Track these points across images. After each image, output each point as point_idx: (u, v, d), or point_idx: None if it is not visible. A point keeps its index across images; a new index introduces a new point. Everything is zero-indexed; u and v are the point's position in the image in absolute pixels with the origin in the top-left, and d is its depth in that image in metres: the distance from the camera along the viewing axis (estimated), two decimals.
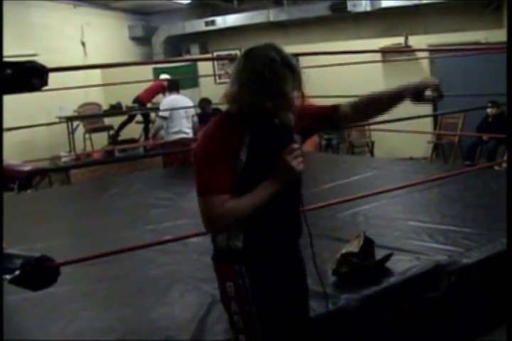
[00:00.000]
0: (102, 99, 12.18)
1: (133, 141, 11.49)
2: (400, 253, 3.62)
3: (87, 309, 3.29)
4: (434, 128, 10.78)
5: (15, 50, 7.57)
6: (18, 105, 7.73)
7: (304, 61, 11.32)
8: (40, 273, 2.14)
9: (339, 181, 5.97)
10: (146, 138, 11.56)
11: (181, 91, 9.25)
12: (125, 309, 3.25)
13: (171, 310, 3.19)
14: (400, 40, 10.74)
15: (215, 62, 12.57)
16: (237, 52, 12.56)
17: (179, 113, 8.19)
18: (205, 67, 12.37)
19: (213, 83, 12.15)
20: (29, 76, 2.21)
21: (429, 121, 10.79)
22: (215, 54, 12.83)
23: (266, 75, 1.98)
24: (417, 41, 10.58)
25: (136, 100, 10.97)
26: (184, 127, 8.27)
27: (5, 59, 2.17)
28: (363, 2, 11.39)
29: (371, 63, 9.16)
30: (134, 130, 11.59)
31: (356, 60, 7.80)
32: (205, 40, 13.87)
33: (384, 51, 10.12)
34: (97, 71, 12.02)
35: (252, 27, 12.74)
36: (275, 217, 2.13)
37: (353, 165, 7.75)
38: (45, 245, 4.12)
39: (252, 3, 12.58)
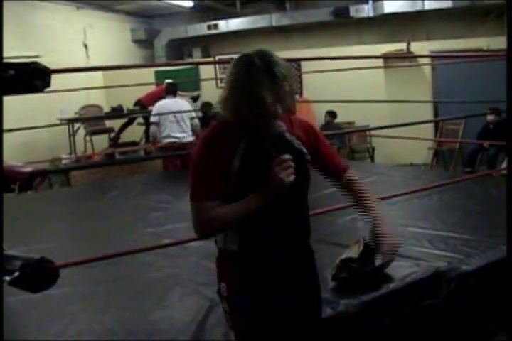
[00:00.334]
0: (104, 101, 12.19)
1: (134, 143, 11.50)
2: (400, 260, 3.60)
3: (86, 311, 3.28)
4: (435, 135, 10.80)
5: (17, 52, 7.59)
6: (20, 106, 7.72)
7: (306, 66, 11.44)
8: (39, 275, 2.14)
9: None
10: (147, 140, 11.57)
11: (182, 93, 9.26)
12: (124, 312, 3.24)
13: (170, 313, 3.18)
14: (402, 46, 10.76)
15: (217, 66, 12.57)
16: None
17: (166, 117, 8.19)
18: (206, 71, 12.38)
19: (215, 87, 12.17)
20: (32, 77, 2.21)
21: (430, 127, 10.81)
22: (217, 58, 12.84)
23: (244, 82, 1.97)
24: (419, 47, 10.60)
25: (137, 103, 10.98)
26: (174, 131, 8.22)
27: (7, 60, 2.17)
28: (366, 8, 11.43)
29: (373, 69, 9.17)
30: (135, 133, 11.60)
31: (358, 66, 7.81)
32: (208, 43, 13.90)
33: (386, 57, 10.14)
34: (99, 73, 12.04)
35: (255, 31, 12.77)
36: (273, 220, 2.11)
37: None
38: (45, 247, 4.12)
39: (254, 7, 12.61)
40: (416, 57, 10.91)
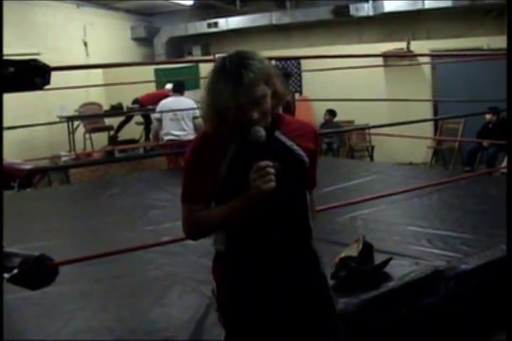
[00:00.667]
0: (103, 99, 12.19)
1: (133, 141, 11.49)
2: (399, 258, 3.61)
3: (85, 309, 3.28)
4: (435, 134, 10.80)
5: (17, 49, 7.59)
6: (19, 104, 7.74)
7: (306, 64, 11.44)
8: (38, 272, 2.13)
9: (339, 185, 5.96)
10: (147, 138, 11.57)
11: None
12: (123, 309, 3.24)
13: (169, 312, 3.19)
14: (402, 45, 10.76)
15: None
16: None
17: (166, 115, 8.23)
18: (206, 69, 12.23)
19: None
20: (32, 75, 2.21)
21: (430, 126, 10.80)
22: (217, 56, 12.78)
23: (211, 88, 1.96)
24: (419, 46, 10.60)
25: (135, 101, 10.98)
26: (173, 129, 8.24)
27: (7, 57, 2.17)
28: (366, 6, 11.43)
29: (373, 68, 9.17)
30: (134, 130, 11.60)
31: (358, 64, 7.80)
32: (207, 41, 13.89)
33: (386, 55, 10.14)
34: (99, 71, 12.03)
35: (255, 29, 12.76)
36: (260, 223, 2.06)
37: (352, 169, 7.73)
38: (44, 244, 4.12)
39: (254, 5, 12.60)
40: (416, 56, 10.91)
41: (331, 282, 3.24)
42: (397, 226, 4.55)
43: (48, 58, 2.79)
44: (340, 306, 3.01)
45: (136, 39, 14.03)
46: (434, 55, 10.68)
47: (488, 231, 4.16)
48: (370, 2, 11.42)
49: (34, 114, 9.83)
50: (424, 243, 4.03)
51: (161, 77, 12.65)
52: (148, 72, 12.11)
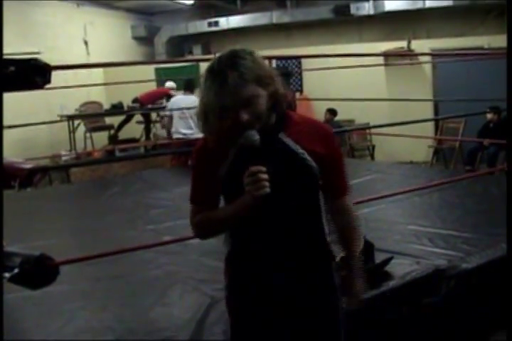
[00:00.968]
0: (104, 98, 12.19)
1: (133, 140, 11.50)
2: (400, 257, 3.61)
3: (86, 308, 3.28)
4: (435, 133, 10.79)
5: (18, 48, 7.57)
6: (20, 103, 7.73)
7: (306, 64, 11.43)
8: (39, 272, 2.13)
9: None
10: (147, 137, 11.58)
11: (181, 92, 9.28)
12: (124, 309, 3.24)
13: (170, 311, 3.18)
14: (403, 44, 10.75)
15: None
16: None
17: (176, 113, 8.34)
18: None
19: None
20: (32, 74, 2.21)
21: (430, 125, 10.80)
22: (218, 55, 12.82)
23: (202, 88, 1.92)
24: (419, 45, 10.59)
25: (136, 100, 11.00)
26: (181, 127, 8.34)
27: (8, 56, 2.17)
28: (367, 6, 11.42)
29: (374, 67, 9.16)
30: (135, 130, 11.60)
31: (359, 64, 7.80)
32: (208, 41, 13.89)
33: (387, 55, 10.13)
34: (99, 70, 12.04)
35: (255, 29, 12.76)
36: (260, 226, 2.03)
37: (353, 169, 7.72)
38: (45, 243, 4.11)
39: (255, 4, 12.60)
40: (416, 55, 10.90)
41: None
42: (398, 226, 4.55)
43: (49, 57, 2.78)
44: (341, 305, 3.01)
45: (136, 38, 14.03)
46: (435, 54, 10.67)
47: (489, 230, 4.16)
48: (371, 1, 11.41)
49: (35, 113, 9.83)
50: (425, 242, 4.03)
51: (161, 76, 12.65)
52: (148, 71, 12.10)
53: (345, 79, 10.56)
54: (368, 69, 8.87)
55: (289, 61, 12.08)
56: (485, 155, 9.26)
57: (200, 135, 2.05)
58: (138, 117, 11.57)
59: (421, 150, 10.67)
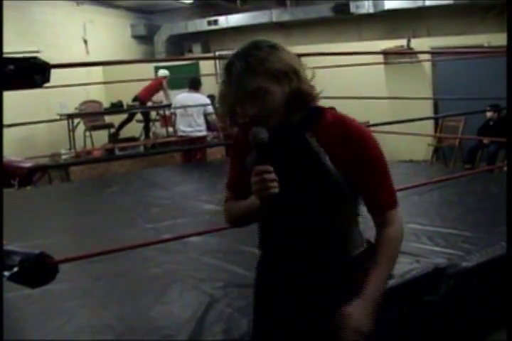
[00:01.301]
0: (103, 97, 12.18)
1: (133, 139, 11.50)
2: (400, 256, 3.58)
3: (86, 307, 3.28)
4: (435, 131, 10.78)
5: (17, 47, 7.58)
6: (19, 101, 7.71)
7: (306, 62, 11.40)
8: (39, 270, 2.13)
9: None
10: (147, 136, 11.58)
11: (182, 90, 9.30)
12: (123, 307, 3.24)
13: (170, 309, 3.18)
14: (403, 42, 10.74)
15: (217, 62, 12.56)
16: None
17: (177, 111, 8.44)
18: (207, 67, 12.37)
19: (215, 82, 12.15)
20: (31, 72, 2.20)
21: (430, 123, 10.79)
22: (217, 53, 12.83)
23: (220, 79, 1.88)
24: (419, 44, 10.58)
25: (136, 99, 11.01)
26: (182, 125, 8.48)
27: (7, 55, 2.16)
28: (366, 4, 11.41)
29: (373, 65, 9.16)
30: (134, 128, 11.60)
31: (358, 62, 7.79)
32: (208, 39, 13.89)
33: (386, 53, 10.13)
34: (99, 69, 12.04)
35: (255, 27, 12.75)
36: (275, 229, 2.02)
37: None
38: (44, 242, 4.12)
39: (254, 3, 12.60)
40: (416, 53, 10.89)
41: None
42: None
43: (48, 56, 2.78)
44: None
45: (136, 37, 14.02)
46: (435, 53, 10.67)
47: (489, 228, 4.16)
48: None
49: (34, 112, 9.82)
50: (425, 240, 4.03)
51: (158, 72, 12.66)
52: (148, 69, 12.09)
53: (345, 78, 10.54)
54: (367, 68, 8.87)
55: None
56: (485, 154, 9.27)
57: (201, 133, 2.06)
58: (138, 116, 11.56)
59: (421, 148, 10.67)
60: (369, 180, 1.88)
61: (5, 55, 2.15)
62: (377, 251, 1.92)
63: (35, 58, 2.22)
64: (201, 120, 8.47)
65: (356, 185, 1.90)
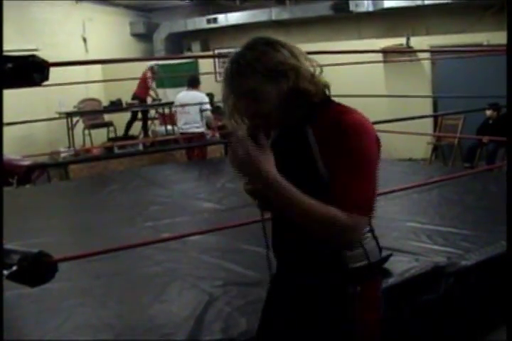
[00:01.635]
0: (102, 95, 12.17)
1: (132, 137, 11.50)
2: (399, 255, 3.61)
3: (85, 305, 3.28)
4: (434, 130, 10.78)
5: (16, 45, 7.55)
6: (18, 100, 7.71)
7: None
8: (37, 269, 2.13)
9: None
10: (146, 134, 11.59)
11: (181, 88, 9.32)
12: (122, 306, 3.24)
13: (169, 308, 3.18)
14: (402, 40, 10.73)
15: (216, 60, 12.55)
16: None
17: (177, 110, 8.59)
18: (206, 65, 12.36)
19: (214, 81, 12.15)
20: (30, 70, 2.20)
21: (429, 122, 10.78)
22: (216, 51, 12.81)
23: None
24: (418, 42, 10.58)
25: (135, 97, 11.04)
26: (181, 122, 8.59)
27: (6, 53, 2.16)
28: (365, 2, 11.39)
29: (372, 63, 9.15)
30: (133, 127, 11.61)
31: (357, 60, 7.79)
32: (207, 37, 13.88)
33: (385, 51, 10.12)
34: (98, 67, 12.02)
35: (254, 25, 12.74)
36: (273, 226, 2.01)
37: None
38: (43, 241, 4.12)
39: (254, 1, 12.58)
40: (415, 51, 10.88)
41: None
42: (397, 223, 4.55)
43: (47, 54, 2.78)
44: None
45: (135, 35, 14.00)
46: (434, 51, 10.64)
47: (489, 227, 4.16)
48: None
49: (33, 110, 9.81)
50: (424, 239, 4.03)
51: (160, 73, 12.65)
52: (147, 67, 12.09)
53: (344, 76, 10.50)
54: (366, 66, 8.85)
55: None
56: (484, 152, 9.26)
57: (198, 129, 2.03)
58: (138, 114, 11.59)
59: (420, 147, 10.67)
60: (338, 177, 1.73)
61: (4, 53, 2.15)
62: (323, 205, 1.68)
63: (34, 56, 2.22)
64: (198, 117, 8.54)
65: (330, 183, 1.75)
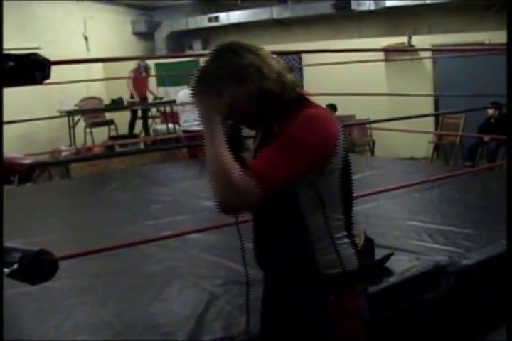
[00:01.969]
0: (104, 93, 12.17)
1: (134, 136, 11.50)
2: (400, 253, 3.60)
3: (85, 304, 3.28)
4: (436, 128, 10.78)
5: (17, 43, 7.57)
6: (19, 98, 7.72)
7: (306, 59, 11.40)
8: (38, 267, 2.13)
9: None
10: (147, 133, 11.59)
11: (182, 87, 9.34)
12: (123, 304, 3.24)
13: (169, 307, 3.18)
14: (404, 39, 10.73)
15: None
16: None
17: (178, 108, 8.75)
18: None
19: None
20: (31, 69, 2.20)
21: (431, 120, 10.79)
22: None
23: None
24: (420, 41, 10.58)
25: (132, 96, 11.09)
26: (182, 121, 8.68)
27: (7, 52, 2.16)
28: (367, 1, 11.37)
29: (374, 62, 9.15)
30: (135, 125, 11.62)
31: (359, 59, 7.78)
32: (208, 36, 13.87)
33: (387, 50, 10.11)
34: (99, 65, 12.01)
35: (255, 24, 12.74)
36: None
37: (353, 164, 7.70)
38: (44, 239, 4.11)
39: (255, 0, 12.56)
40: (417, 50, 10.88)
41: None
42: (398, 221, 4.55)
43: (48, 52, 2.77)
44: None
45: (136, 33, 14.00)
46: (436, 50, 10.64)
47: (490, 226, 4.16)
48: None
49: (34, 109, 9.81)
50: (425, 238, 4.02)
51: (161, 72, 12.66)
52: (148, 66, 12.09)
53: (346, 75, 10.53)
54: (368, 65, 8.85)
55: (289, 56, 12.05)
56: (485, 151, 9.26)
57: (197, 127, 2.04)
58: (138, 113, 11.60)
59: (421, 145, 10.67)
60: (264, 151, 1.78)
61: (5, 52, 2.15)
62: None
63: (35, 55, 2.22)
64: (193, 115, 8.63)
65: None
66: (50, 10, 11.48)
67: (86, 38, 12.48)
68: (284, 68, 1.89)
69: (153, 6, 13.98)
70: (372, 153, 10.98)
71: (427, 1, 10.80)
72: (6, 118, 2.44)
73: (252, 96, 1.82)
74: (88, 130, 11.14)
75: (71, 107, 10.66)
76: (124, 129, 11.55)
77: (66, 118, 10.30)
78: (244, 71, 1.80)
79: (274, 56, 1.90)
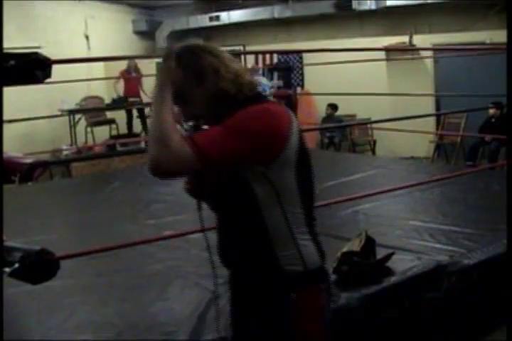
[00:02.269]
0: (105, 92, 12.16)
1: (134, 135, 11.50)
2: (401, 253, 3.60)
3: (86, 303, 3.28)
4: (437, 128, 10.77)
5: (18, 42, 7.56)
6: (20, 97, 7.71)
7: (307, 58, 11.40)
8: (39, 267, 2.13)
9: (340, 179, 5.95)
10: (146, 132, 11.59)
11: None
12: (124, 304, 3.24)
13: (171, 306, 3.18)
14: (405, 38, 10.72)
15: None
16: (241, 48, 12.54)
17: None
18: None
19: None
20: (33, 68, 2.20)
21: (432, 120, 10.78)
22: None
23: None
24: (421, 40, 10.56)
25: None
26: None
27: (8, 51, 2.16)
28: (368, 1, 11.36)
29: (375, 61, 9.15)
30: (135, 125, 11.61)
31: (360, 58, 7.78)
32: (209, 35, 13.84)
33: (388, 49, 10.11)
34: (100, 64, 12.00)
35: (256, 23, 12.72)
36: None
37: (354, 164, 7.73)
38: (45, 238, 4.11)
39: None
40: (418, 49, 10.87)
41: (333, 276, 3.25)
42: (399, 221, 4.55)
43: (49, 52, 2.77)
44: (342, 301, 3.01)
45: (137, 32, 13.99)
46: (437, 49, 10.64)
47: (491, 225, 4.16)
48: None
49: (35, 108, 9.82)
50: (427, 237, 4.02)
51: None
52: (149, 65, 12.06)
53: (347, 74, 10.53)
54: (369, 64, 8.86)
55: (290, 56, 12.08)
56: (486, 151, 9.25)
57: None
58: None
59: (422, 145, 10.66)
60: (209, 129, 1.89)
61: (6, 51, 2.15)
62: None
63: (36, 54, 2.22)
64: None
65: None
66: (51, 9, 11.48)
67: (87, 37, 12.48)
68: (243, 70, 1.96)
69: (154, 5, 13.97)
70: (374, 152, 10.97)
71: (428, 1, 10.78)
72: (7, 117, 2.44)
73: (210, 96, 1.89)
74: (89, 129, 11.15)
75: (72, 106, 10.67)
76: (125, 128, 11.55)
77: (67, 118, 10.31)
78: (202, 71, 1.88)
79: (233, 58, 1.96)
